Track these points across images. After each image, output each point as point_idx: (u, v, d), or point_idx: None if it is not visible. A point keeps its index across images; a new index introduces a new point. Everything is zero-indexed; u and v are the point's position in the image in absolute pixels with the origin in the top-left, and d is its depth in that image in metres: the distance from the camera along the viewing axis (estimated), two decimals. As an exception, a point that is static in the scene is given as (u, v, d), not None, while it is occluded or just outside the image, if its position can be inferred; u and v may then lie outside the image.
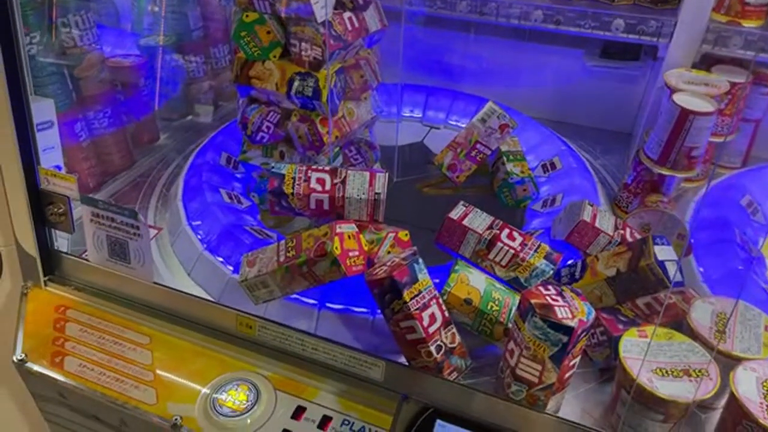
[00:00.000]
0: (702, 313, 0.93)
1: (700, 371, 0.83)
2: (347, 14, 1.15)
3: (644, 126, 1.44)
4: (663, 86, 1.31)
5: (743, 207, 1.30)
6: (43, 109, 1.05)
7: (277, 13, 1.12)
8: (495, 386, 0.92)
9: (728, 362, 0.86)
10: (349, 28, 1.14)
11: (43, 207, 1.04)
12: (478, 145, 1.39)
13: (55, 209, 1.04)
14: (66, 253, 1.09)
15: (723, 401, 0.85)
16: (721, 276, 1.10)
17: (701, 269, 1.13)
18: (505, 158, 1.38)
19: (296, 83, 1.14)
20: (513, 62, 1.70)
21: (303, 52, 1.13)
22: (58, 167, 1.09)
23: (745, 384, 0.81)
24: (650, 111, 1.44)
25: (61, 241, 1.12)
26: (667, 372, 0.83)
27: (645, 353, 0.83)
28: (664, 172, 1.26)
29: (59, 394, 0.99)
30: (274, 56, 1.17)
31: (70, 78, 1.29)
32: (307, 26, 1.10)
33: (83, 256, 1.08)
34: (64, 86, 1.27)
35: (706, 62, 1.41)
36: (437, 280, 0.95)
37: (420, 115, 1.73)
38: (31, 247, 1.06)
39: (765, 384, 0.81)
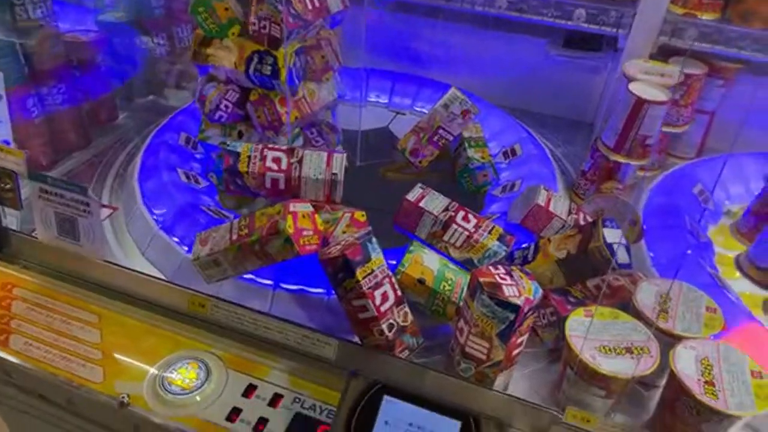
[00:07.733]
0: (647, 294, 0.96)
1: (641, 348, 0.85)
2: (308, -7, 1.14)
3: (604, 116, 1.47)
4: (621, 76, 1.33)
5: (695, 195, 1.34)
6: (-10, 82, 1.02)
7: (236, -10, 1.11)
8: (445, 364, 0.93)
9: (670, 341, 0.88)
10: (309, 7, 1.13)
11: (-11, 182, 1.02)
12: (440, 131, 1.39)
13: (2, 185, 1.02)
14: (14, 231, 1.07)
15: (665, 380, 0.88)
16: (670, 260, 1.13)
17: (651, 254, 1.15)
18: (466, 144, 1.39)
19: (254, 62, 1.13)
20: (478, 50, 1.70)
21: (261, 30, 1.11)
22: (6, 142, 1.06)
23: (685, 361, 0.83)
24: (610, 101, 1.47)
25: (10, 219, 1.09)
26: (610, 350, 0.85)
27: (587, 330, 0.85)
28: (620, 159, 1.28)
29: (5, 372, 0.97)
30: (233, 33, 1.15)
31: (22, 52, 1.25)
32: (266, 4, 1.09)
33: (33, 234, 1.05)
34: (15, 60, 1.23)
35: (664, 53, 1.44)
36: (394, 262, 0.96)
37: (386, 101, 1.73)
38: (-24, 223, 1.03)
39: (704, 361, 0.84)
